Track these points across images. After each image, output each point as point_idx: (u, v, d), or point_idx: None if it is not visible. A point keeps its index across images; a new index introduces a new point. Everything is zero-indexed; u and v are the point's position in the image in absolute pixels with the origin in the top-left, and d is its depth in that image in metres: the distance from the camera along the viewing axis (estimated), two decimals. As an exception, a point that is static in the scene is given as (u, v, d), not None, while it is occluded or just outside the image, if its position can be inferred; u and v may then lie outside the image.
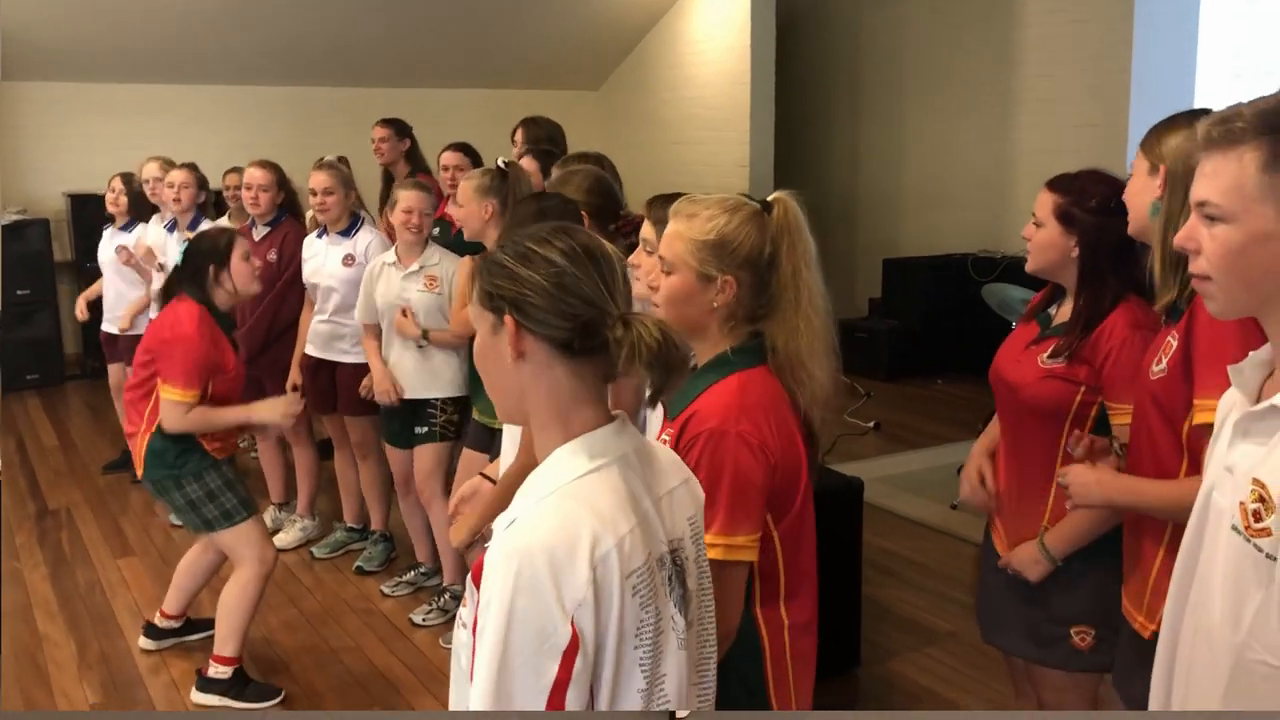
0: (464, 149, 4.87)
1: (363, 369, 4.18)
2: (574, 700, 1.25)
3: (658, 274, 1.81)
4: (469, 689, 1.29)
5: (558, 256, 1.35)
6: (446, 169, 4.79)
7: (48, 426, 6.82)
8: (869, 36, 9.07)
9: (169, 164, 5.26)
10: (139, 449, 3.42)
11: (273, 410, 3.51)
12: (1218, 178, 1.27)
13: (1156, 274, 1.92)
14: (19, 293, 7.69)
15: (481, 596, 1.26)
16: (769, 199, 1.81)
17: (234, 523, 3.43)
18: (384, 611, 4.15)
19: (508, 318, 1.35)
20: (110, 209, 5.61)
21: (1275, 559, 1.24)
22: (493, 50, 9.17)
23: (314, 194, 4.30)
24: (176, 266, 3.62)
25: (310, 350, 4.46)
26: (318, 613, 4.15)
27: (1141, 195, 1.99)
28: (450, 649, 1.51)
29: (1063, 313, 2.34)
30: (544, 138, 4.49)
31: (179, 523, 3.56)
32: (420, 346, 3.92)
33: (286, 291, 4.59)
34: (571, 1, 8.87)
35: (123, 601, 4.23)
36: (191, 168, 5.16)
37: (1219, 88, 6.54)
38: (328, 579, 4.47)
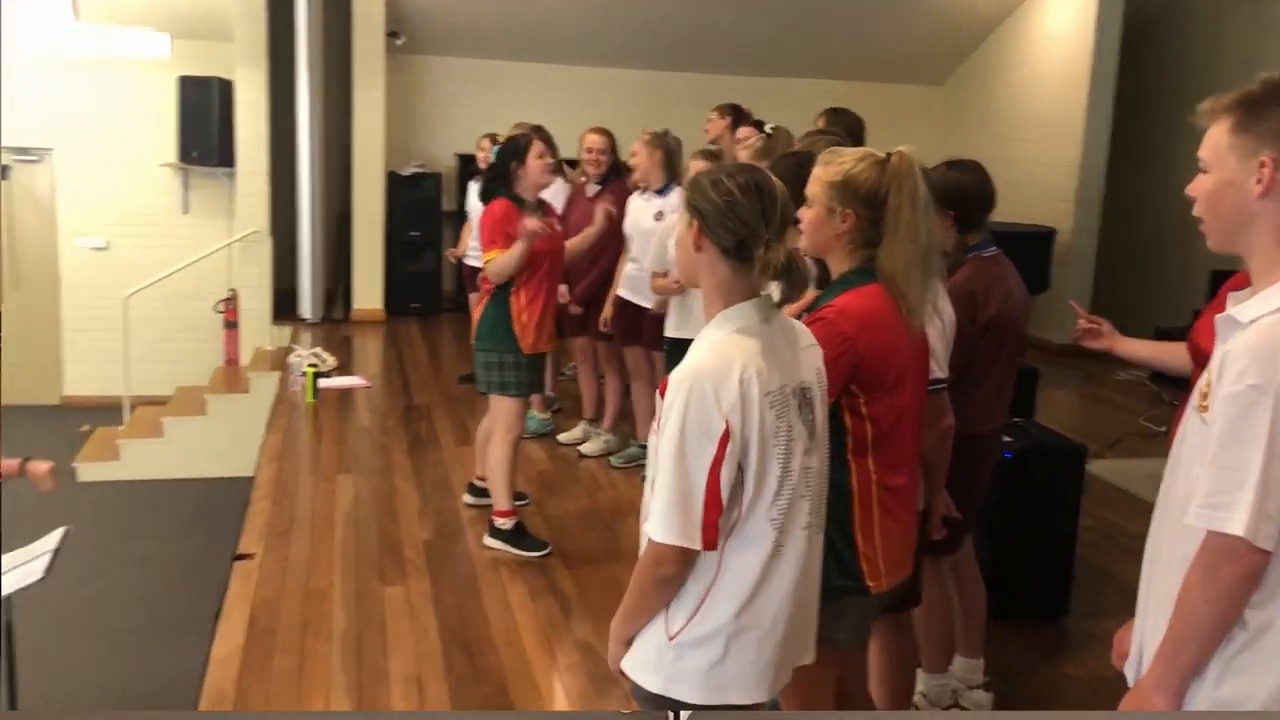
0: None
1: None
2: (727, 474, 1.85)
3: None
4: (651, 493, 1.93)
5: (735, 188, 1.95)
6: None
7: (421, 345, 8.17)
8: (1230, 39, 8.76)
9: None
10: (474, 319, 4.33)
11: (531, 224, 4.03)
12: (1208, 139, 1.67)
13: None
14: (411, 234, 9.12)
15: (665, 406, 1.90)
16: (891, 151, 2.25)
17: (505, 394, 4.25)
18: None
19: (694, 221, 1.97)
20: (481, 164, 6.67)
21: (1206, 424, 1.60)
22: (840, 42, 9.65)
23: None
24: (488, 169, 4.47)
25: (621, 291, 5.25)
26: (609, 509, 4.99)
27: None
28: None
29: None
30: (843, 126, 4.92)
31: (483, 389, 4.38)
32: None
33: (612, 240, 5.35)
34: (920, -3, 9.21)
35: (457, 474, 5.25)
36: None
37: None
38: (620, 483, 5.31)
